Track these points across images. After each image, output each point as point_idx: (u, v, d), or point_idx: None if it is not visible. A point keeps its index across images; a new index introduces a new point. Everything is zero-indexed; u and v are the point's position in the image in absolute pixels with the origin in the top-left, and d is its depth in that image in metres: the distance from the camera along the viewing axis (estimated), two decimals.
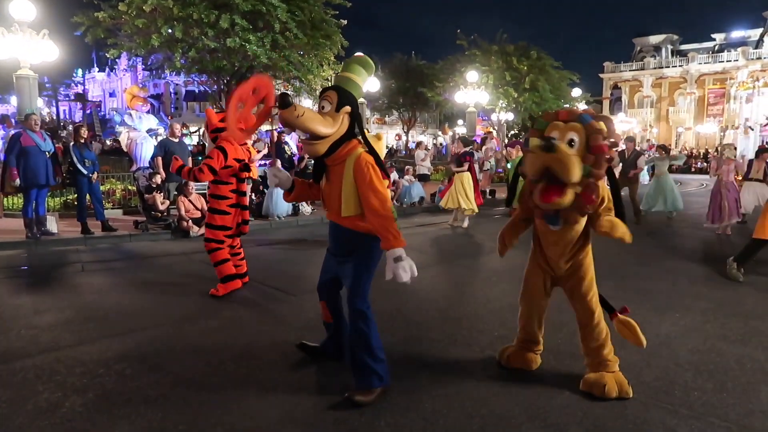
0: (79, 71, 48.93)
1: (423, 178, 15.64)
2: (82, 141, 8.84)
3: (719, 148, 11.35)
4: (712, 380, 3.59)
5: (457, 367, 3.82)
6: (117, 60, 30.76)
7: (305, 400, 3.30)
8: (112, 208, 10.95)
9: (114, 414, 3.13)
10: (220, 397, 3.34)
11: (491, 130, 27.69)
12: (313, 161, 3.45)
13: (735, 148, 11.02)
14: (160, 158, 10.06)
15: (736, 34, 51.70)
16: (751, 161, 10.59)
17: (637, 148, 11.98)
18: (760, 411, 3.20)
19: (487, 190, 15.95)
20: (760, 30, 48.80)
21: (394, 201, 13.22)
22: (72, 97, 44.08)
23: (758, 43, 47.90)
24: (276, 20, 14.49)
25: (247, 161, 5.68)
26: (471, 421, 3.07)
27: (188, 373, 3.69)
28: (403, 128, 37.37)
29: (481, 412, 3.17)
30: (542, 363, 3.78)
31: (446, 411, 3.17)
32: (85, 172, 8.67)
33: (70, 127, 9.26)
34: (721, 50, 50.65)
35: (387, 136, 41.67)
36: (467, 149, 10.65)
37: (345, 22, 16.74)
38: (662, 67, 53.15)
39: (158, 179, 9.86)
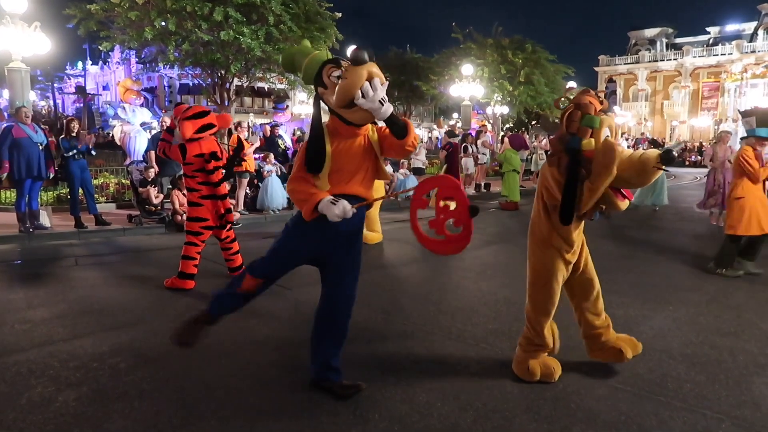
0: (80, 64, 48.54)
1: (418, 172, 15.62)
2: (74, 134, 8.78)
3: (716, 135, 11.44)
4: (705, 372, 3.62)
5: (451, 360, 3.83)
6: (110, 53, 30.61)
7: (300, 394, 3.30)
8: (105, 202, 10.90)
9: (108, 408, 3.12)
10: (215, 391, 3.34)
11: (486, 123, 27.66)
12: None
13: (730, 134, 10.99)
14: (153, 152, 10.01)
15: (731, 27, 51.76)
16: None
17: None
18: (752, 402, 3.22)
19: (482, 184, 15.97)
20: (755, 23, 48.85)
21: (390, 195, 13.20)
22: (72, 90, 43.82)
23: (752, 37, 48.00)
24: (270, 13, 14.42)
25: (218, 154, 5.69)
26: (465, 413, 3.08)
27: (183, 367, 3.69)
28: None
29: (474, 405, 3.18)
30: None
31: (440, 404, 3.18)
32: (76, 157, 8.62)
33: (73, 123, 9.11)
34: (715, 44, 50.76)
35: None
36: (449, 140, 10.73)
37: (340, 14, 16.68)
38: (657, 61, 53.25)
39: (151, 173, 9.82)
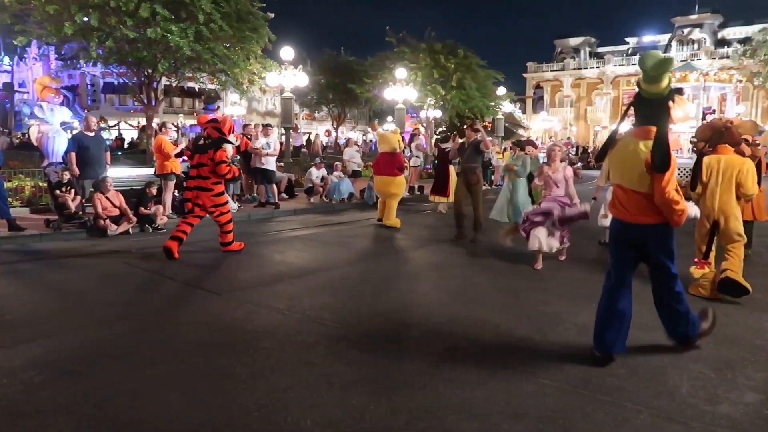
0: (6, 59, 45.31)
1: (354, 174, 15.66)
2: None
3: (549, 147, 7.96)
4: (626, 366, 3.79)
5: (383, 362, 3.83)
6: (26, 48, 28.84)
7: (228, 403, 3.21)
8: (20, 206, 10.25)
9: (20, 427, 2.92)
10: (139, 402, 3.19)
11: (419, 126, 28.00)
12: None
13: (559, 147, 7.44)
14: (73, 154, 9.51)
15: (648, 38, 54.93)
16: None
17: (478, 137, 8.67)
18: (667, 393, 3.41)
19: (416, 186, 16.14)
20: (669, 35, 52.14)
21: (323, 197, 13.13)
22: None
23: (667, 48, 51.05)
24: (200, 11, 14.06)
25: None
26: (397, 415, 3.09)
27: (104, 379, 3.50)
28: (332, 124, 37.19)
29: (407, 406, 3.19)
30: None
31: (373, 407, 3.17)
32: None
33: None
34: (634, 53, 53.59)
35: (317, 131, 41.37)
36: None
37: (272, 15, 16.47)
38: (581, 69, 55.69)
39: (66, 176, 9.30)
